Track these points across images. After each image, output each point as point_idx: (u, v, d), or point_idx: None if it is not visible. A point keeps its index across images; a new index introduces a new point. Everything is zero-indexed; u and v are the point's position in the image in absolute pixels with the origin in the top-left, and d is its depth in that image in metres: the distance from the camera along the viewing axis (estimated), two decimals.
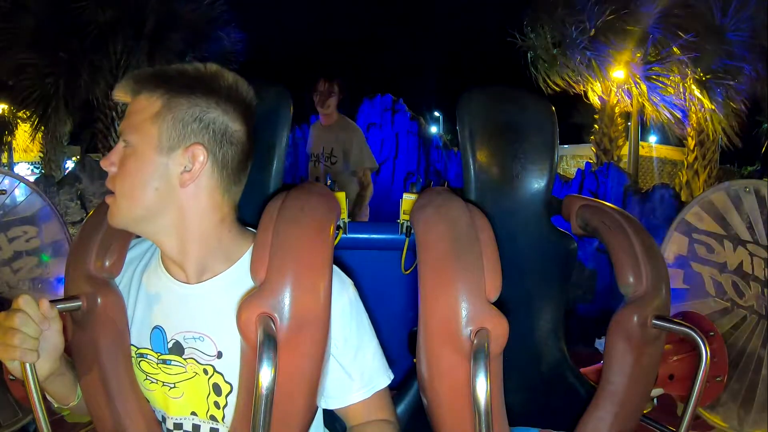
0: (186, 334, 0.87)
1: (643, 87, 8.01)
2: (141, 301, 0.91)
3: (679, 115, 8.08)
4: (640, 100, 8.25)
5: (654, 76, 7.93)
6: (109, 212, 0.86)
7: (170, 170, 0.82)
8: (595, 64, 8.14)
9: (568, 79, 8.62)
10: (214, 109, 0.83)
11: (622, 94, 8.35)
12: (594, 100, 8.74)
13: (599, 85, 8.48)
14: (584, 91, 8.74)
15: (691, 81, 7.67)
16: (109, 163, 0.84)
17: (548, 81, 8.68)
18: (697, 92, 7.70)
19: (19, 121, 8.03)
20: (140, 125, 0.82)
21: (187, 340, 0.86)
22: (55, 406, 0.93)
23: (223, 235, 0.87)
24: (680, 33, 7.54)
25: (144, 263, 0.94)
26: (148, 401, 0.91)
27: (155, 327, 0.88)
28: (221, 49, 8.37)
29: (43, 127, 7.67)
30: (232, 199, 0.88)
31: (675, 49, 7.67)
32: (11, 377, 1.06)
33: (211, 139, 0.83)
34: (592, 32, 8.11)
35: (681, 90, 7.79)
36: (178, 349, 0.87)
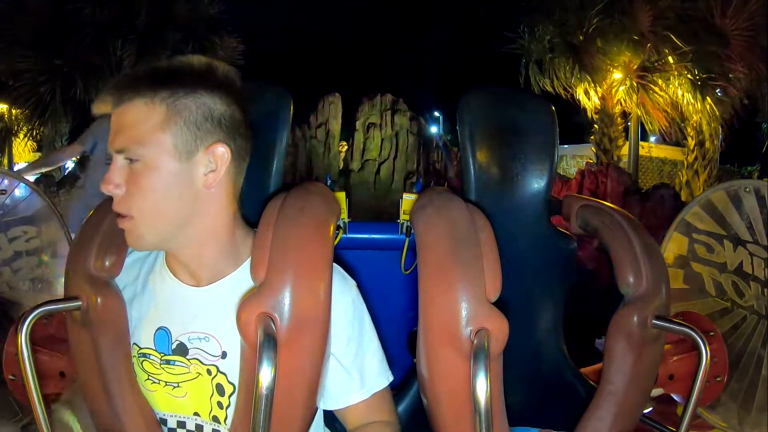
0: (191, 335, 0.86)
1: (641, 92, 8.01)
2: (146, 301, 0.90)
3: (676, 118, 8.08)
4: (637, 108, 8.25)
5: (650, 80, 7.92)
6: (128, 237, 0.82)
7: (194, 175, 0.80)
8: (590, 65, 8.15)
9: (562, 84, 8.63)
10: (220, 104, 0.81)
11: (622, 93, 8.35)
12: (590, 103, 8.74)
13: (597, 88, 8.47)
14: (578, 97, 8.74)
15: (688, 81, 7.66)
16: (114, 186, 0.79)
17: (545, 85, 8.69)
18: (689, 96, 7.69)
19: (19, 121, 8.04)
20: (147, 136, 0.78)
21: (192, 340, 0.86)
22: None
23: (235, 234, 0.88)
24: (679, 35, 7.53)
25: (149, 264, 0.93)
26: (148, 401, 0.90)
27: (160, 328, 0.88)
28: (220, 52, 8.37)
29: (41, 128, 7.69)
30: (239, 191, 0.88)
31: (670, 57, 7.66)
32: (11, 377, 1.06)
33: (225, 135, 0.82)
34: (588, 35, 8.10)
35: (677, 91, 7.78)
36: (182, 349, 0.87)
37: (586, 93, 8.68)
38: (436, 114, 17.20)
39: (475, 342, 0.79)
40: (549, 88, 8.70)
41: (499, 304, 0.83)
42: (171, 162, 0.79)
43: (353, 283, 0.93)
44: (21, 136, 8.14)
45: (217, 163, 0.81)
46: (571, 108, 8.91)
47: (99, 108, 0.81)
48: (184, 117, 0.79)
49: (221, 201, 0.84)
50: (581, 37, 8.16)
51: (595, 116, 8.85)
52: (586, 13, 8.10)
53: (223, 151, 0.81)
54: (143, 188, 0.78)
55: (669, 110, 8.02)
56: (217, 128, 0.81)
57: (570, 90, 8.74)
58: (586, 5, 8.13)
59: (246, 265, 0.87)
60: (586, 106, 8.81)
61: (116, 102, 0.80)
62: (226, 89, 0.83)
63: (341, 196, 1.22)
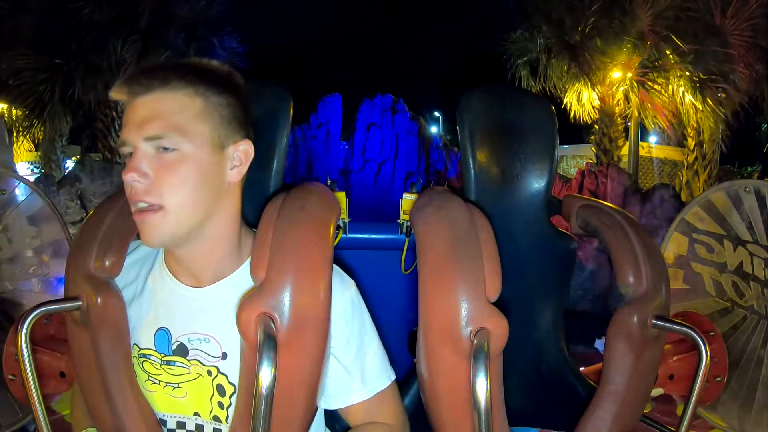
0: (191, 336, 0.86)
1: (638, 94, 8.00)
2: (146, 302, 0.90)
3: (674, 120, 8.07)
4: (637, 108, 8.24)
5: (649, 82, 7.91)
6: (152, 230, 0.78)
7: (224, 167, 0.83)
8: (590, 66, 8.14)
9: (557, 87, 8.65)
10: (239, 107, 0.85)
11: (621, 94, 8.34)
12: (582, 107, 8.75)
13: (596, 88, 8.46)
14: (570, 104, 8.76)
15: (688, 81, 7.66)
16: (141, 174, 0.76)
17: (542, 86, 8.71)
18: (690, 96, 7.69)
19: (19, 120, 8.04)
20: (187, 124, 0.78)
21: (192, 341, 0.86)
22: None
23: (240, 234, 0.89)
24: (679, 35, 7.52)
25: (149, 265, 0.93)
26: (148, 401, 0.90)
27: (160, 328, 0.88)
28: (221, 52, 8.37)
29: (41, 127, 7.70)
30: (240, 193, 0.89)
31: (671, 56, 7.65)
32: (11, 377, 1.06)
33: (247, 134, 0.86)
34: (586, 34, 8.09)
35: (678, 92, 7.78)
36: (182, 350, 0.87)
37: (579, 96, 8.68)
38: (436, 114, 17.21)
39: (474, 342, 0.79)
40: (536, 91, 8.70)
41: (499, 304, 0.83)
42: (207, 153, 0.80)
43: (352, 282, 0.93)
44: (20, 135, 8.12)
45: (241, 159, 0.84)
46: (566, 108, 8.92)
47: (119, 93, 0.79)
48: (219, 111, 0.82)
49: (235, 198, 0.87)
50: (578, 38, 8.16)
51: (596, 116, 8.84)
52: (584, 12, 8.08)
53: (247, 148, 0.85)
54: (180, 177, 0.78)
55: (669, 110, 8.01)
56: (241, 128, 0.85)
57: (556, 93, 8.75)
58: (585, 5, 8.13)
59: (246, 266, 0.87)
60: (577, 110, 8.82)
61: (156, 87, 0.78)
62: (242, 95, 0.86)
63: (341, 196, 1.22)
